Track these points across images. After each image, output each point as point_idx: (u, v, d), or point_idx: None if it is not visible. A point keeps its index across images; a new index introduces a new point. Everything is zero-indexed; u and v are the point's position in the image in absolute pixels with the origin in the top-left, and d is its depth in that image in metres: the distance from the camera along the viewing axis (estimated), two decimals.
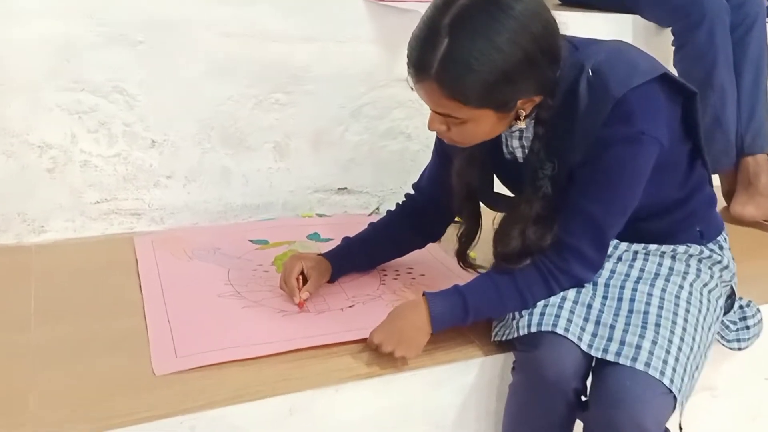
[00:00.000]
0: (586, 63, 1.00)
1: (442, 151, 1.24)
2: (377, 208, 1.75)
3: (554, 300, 1.07)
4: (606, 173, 1.01)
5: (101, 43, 1.38)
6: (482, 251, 1.22)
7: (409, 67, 0.96)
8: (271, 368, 1.05)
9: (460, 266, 1.24)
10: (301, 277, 1.23)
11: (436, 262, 1.45)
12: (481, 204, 1.21)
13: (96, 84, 1.39)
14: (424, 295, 1.09)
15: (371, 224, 1.35)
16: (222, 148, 1.54)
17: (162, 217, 1.53)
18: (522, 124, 1.01)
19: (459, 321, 1.08)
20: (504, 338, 1.12)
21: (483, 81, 0.92)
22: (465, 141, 1.03)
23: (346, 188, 1.72)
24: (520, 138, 1.09)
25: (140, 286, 1.25)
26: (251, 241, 1.48)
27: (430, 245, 1.39)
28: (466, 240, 1.22)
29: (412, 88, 0.98)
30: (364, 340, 1.11)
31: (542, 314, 1.05)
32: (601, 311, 1.06)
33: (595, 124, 0.99)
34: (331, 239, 1.52)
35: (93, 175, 1.44)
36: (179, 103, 1.47)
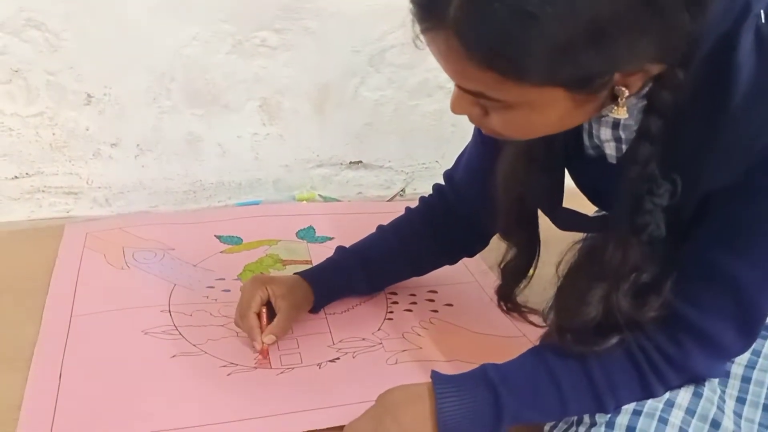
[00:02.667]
0: (754, 5, 0.53)
1: (485, 136, 0.79)
2: (403, 190, 1.32)
3: (653, 405, 0.63)
4: None
5: None
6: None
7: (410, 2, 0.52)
8: None
9: (501, 309, 0.81)
10: (265, 311, 0.84)
11: (473, 286, 1.01)
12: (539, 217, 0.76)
13: (2, 15, 0.99)
14: (432, 378, 0.67)
15: (380, 227, 0.93)
16: (187, 107, 1.12)
17: (107, 198, 1.15)
18: (621, 113, 0.55)
19: (485, 429, 0.65)
20: None
21: (548, 38, 0.46)
22: (513, 134, 0.58)
23: (360, 162, 1.28)
24: (615, 126, 0.63)
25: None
26: (218, 238, 1.09)
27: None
28: (514, 275, 0.78)
29: (416, 42, 0.54)
30: (341, 428, 0.72)
31: (630, 429, 0.62)
32: None
33: (765, 121, 0.52)
34: (330, 238, 1.11)
35: (7, 141, 1.06)
36: (123, 45, 1.05)
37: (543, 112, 0.53)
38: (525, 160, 0.68)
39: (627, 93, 0.53)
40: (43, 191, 1.11)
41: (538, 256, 0.75)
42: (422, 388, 0.66)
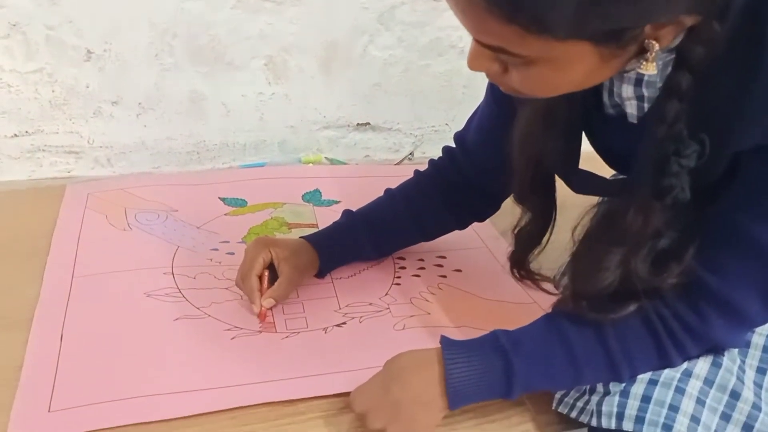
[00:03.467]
0: None
1: (502, 94, 0.75)
2: (411, 154, 1.29)
3: (670, 375, 0.61)
4: None
5: None
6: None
7: None
8: None
9: (514, 276, 0.78)
10: (267, 274, 0.82)
11: (483, 251, 0.99)
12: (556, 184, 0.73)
13: None
14: (441, 344, 0.65)
15: (387, 191, 0.91)
16: (190, 64, 1.09)
17: (109, 158, 1.12)
18: (650, 68, 0.51)
19: (495, 396, 0.64)
20: (574, 416, 0.68)
21: None
22: (534, 92, 0.55)
23: (368, 124, 1.25)
24: (638, 84, 0.59)
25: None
26: (222, 200, 1.06)
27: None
28: (529, 240, 0.75)
29: None
30: (348, 395, 0.70)
31: (646, 399, 0.60)
32: (757, 408, 0.60)
33: None
34: (337, 202, 1.08)
35: (6, 98, 1.03)
36: None
37: (567, 68, 0.50)
38: (542, 120, 0.65)
39: (657, 47, 0.49)
40: (43, 150, 1.08)
41: (554, 221, 0.72)
42: (431, 354, 0.64)
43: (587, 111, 0.66)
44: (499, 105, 0.77)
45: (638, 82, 0.59)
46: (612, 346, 0.61)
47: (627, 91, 0.60)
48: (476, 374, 0.62)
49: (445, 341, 0.65)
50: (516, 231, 0.74)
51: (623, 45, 0.49)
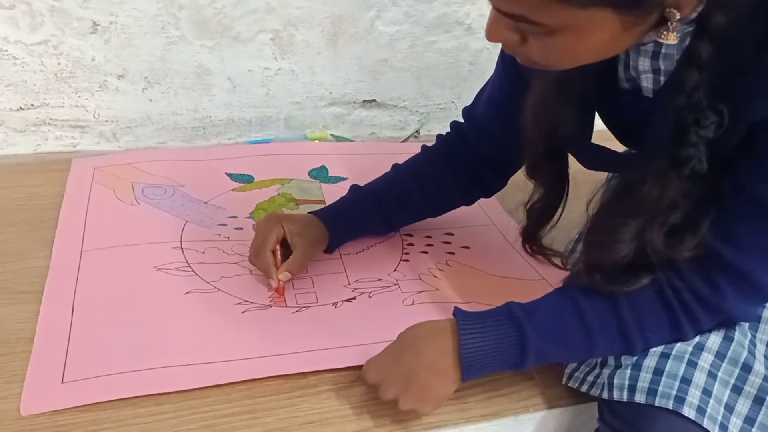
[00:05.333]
0: None
1: (513, 67, 0.75)
2: (417, 131, 1.28)
3: (682, 348, 0.62)
4: None
5: None
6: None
7: None
8: (204, 412, 0.66)
9: (526, 251, 0.79)
10: (279, 249, 0.82)
11: (490, 229, 0.99)
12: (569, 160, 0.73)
13: None
14: (455, 315, 0.66)
15: (395, 166, 0.90)
16: (196, 37, 1.08)
17: (114, 133, 1.11)
18: (671, 38, 0.51)
19: (508, 367, 0.64)
20: (584, 390, 0.69)
21: None
22: (553, 62, 0.54)
23: (374, 101, 1.24)
24: (655, 57, 0.59)
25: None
26: (229, 175, 1.06)
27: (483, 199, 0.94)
28: (541, 215, 0.75)
29: None
30: (359, 368, 0.71)
31: (658, 372, 0.61)
32: None
33: None
34: (344, 178, 1.08)
35: (11, 70, 1.02)
36: None
37: (588, 37, 0.49)
38: (556, 92, 0.65)
39: (678, 15, 0.49)
40: (48, 124, 1.07)
41: (567, 195, 0.73)
42: (445, 324, 0.65)
43: (601, 85, 0.65)
44: (509, 78, 0.77)
45: (655, 55, 0.59)
46: (625, 318, 0.61)
47: (644, 64, 0.60)
48: (490, 344, 0.62)
49: (458, 312, 0.65)
50: (528, 206, 0.74)
51: (645, 13, 0.49)
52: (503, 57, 0.77)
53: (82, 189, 0.98)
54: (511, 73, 0.76)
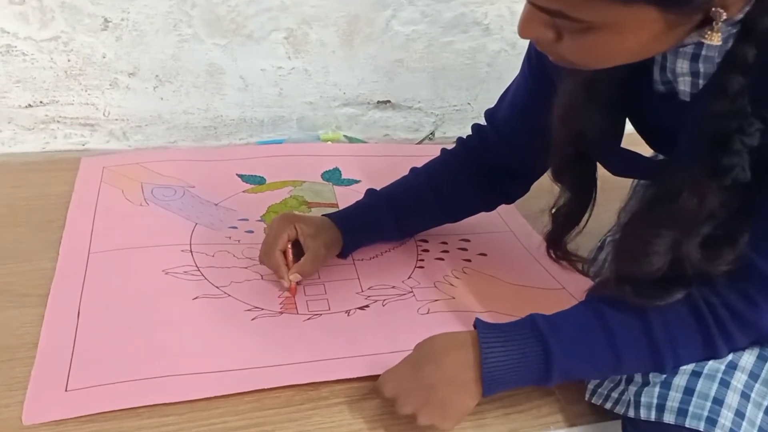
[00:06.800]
0: None
1: (540, 69, 0.72)
2: (432, 133, 1.25)
3: (714, 367, 0.59)
4: None
5: None
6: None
7: None
8: (211, 424, 0.63)
9: (550, 256, 0.76)
10: (291, 250, 0.79)
11: (508, 235, 0.96)
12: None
13: None
14: (476, 327, 0.63)
15: (413, 170, 0.88)
16: (209, 36, 1.06)
17: (125, 131, 1.09)
18: (715, 39, 0.48)
19: (532, 382, 0.62)
20: (608, 407, 0.66)
21: None
22: (588, 62, 0.52)
23: (389, 101, 1.22)
24: (695, 59, 0.56)
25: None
26: (240, 177, 1.03)
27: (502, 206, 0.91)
28: (566, 221, 0.72)
29: None
30: (373, 379, 0.68)
31: (689, 391, 0.58)
32: None
33: None
34: (357, 181, 1.06)
35: (20, 67, 1.00)
36: None
37: (628, 35, 0.47)
38: (585, 94, 0.62)
39: (725, 15, 0.46)
40: (58, 121, 1.05)
41: (595, 200, 0.70)
42: (465, 336, 0.62)
43: (633, 87, 0.62)
44: (535, 79, 0.74)
45: (695, 57, 0.55)
46: (656, 334, 0.58)
47: (682, 66, 0.57)
48: (513, 359, 0.59)
49: (480, 323, 0.62)
50: (554, 210, 0.72)
51: (691, 12, 0.46)
52: (530, 57, 0.75)
53: (91, 189, 0.96)
54: (537, 74, 0.73)
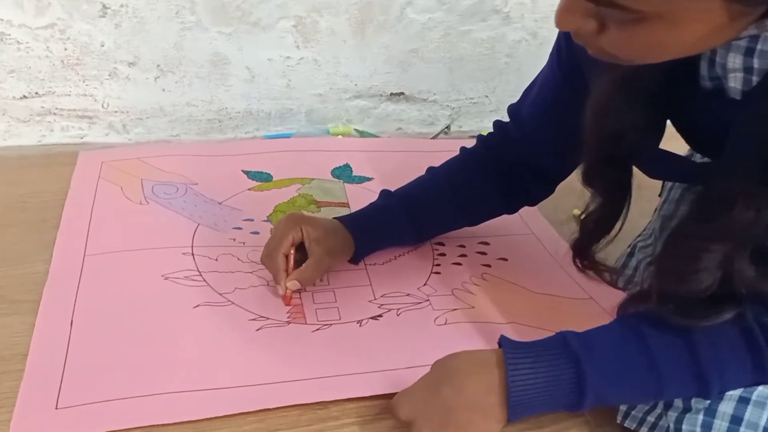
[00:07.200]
0: None
1: (571, 62, 0.66)
2: (447, 127, 1.19)
3: (763, 393, 0.54)
4: None
5: None
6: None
7: None
8: None
9: (576, 266, 0.70)
10: (294, 253, 0.74)
11: (530, 239, 0.91)
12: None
13: None
14: (501, 346, 0.58)
15: (430, 169, 0.82)
16: (213, 23, 1.00)
17: (124, 124, 1.04)
18: None
19: (562, 408, 0.56)
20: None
21: None
22: (635, 56, 0.46)
23: (402, 94, 1.16)
24: (749, 53, 0.50)
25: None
26: (246, 173, 0.98)
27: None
28: (596, 228, 0.66)
29: None
30: (387, 398, 0.63)
31: (736, 420, 0.52)
32: None
33: None
34: (368, 178, 1.00)
35: (15, 56, 0.95)
36: None
37: (685, 27, 0.41)
38: (623, 91, 0.56)
39: None
40: (54, 113, 1.00)
41: (628, 206, 0.64)
42: (489, 355, 0.57)
43: (676, 84, 0.56)
44: (564, 74, 0.68)
45: (749, 51, 0.49)
46: (702, 359, 0.52)
47: (734, 61, 0.50)
48: (542, 382, 0.54)
49: (505, 342, 0.57)
50: (583, 216, 0.66)
51: (757, 2, 0.40)
52: (559, 49, 0.69)
53: (88, 186, 0.91)
54: (567, 67, 0.67)
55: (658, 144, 0.60)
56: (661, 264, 0.55)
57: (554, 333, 0.58)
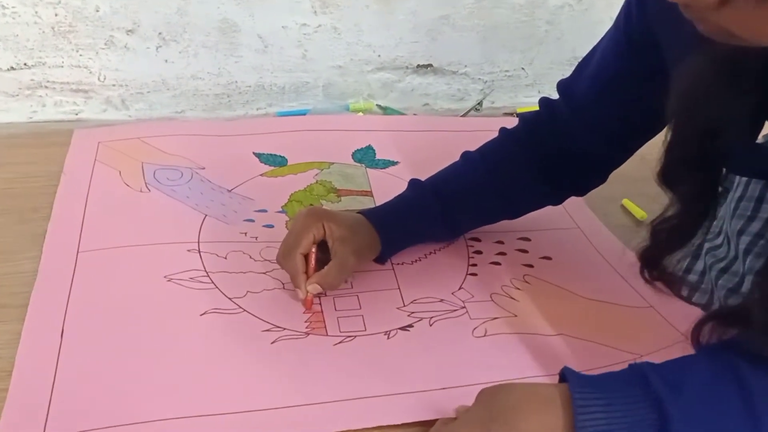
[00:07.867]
0: None
1: (645, 35, 0.56)
2: (479, 103, 1.09)
3: None
4: None
5: None
6: None
7: None
8: None
9: (644, 278, 0.60)
10: (315, 253, 0.65)
11: (575, 234, 0.81)
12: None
13: None
14: (563, 379, 0.49)
15: (464, 155, 0.73)
16: None
17: (123, 99, 0.94)
18: None
19: None
20: None
21: None
22: (756, 36, 0.36)
23: (431, 65, 1.05)
24: None
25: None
26: (258, 156, 0.88)
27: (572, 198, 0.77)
28: (671, 237, 0.56)
29: None
30: (419, 426, 0.54)
31: None
32: None
33: None
34: (394, 163, 0.90)
35: (0, 22, 0.85)
36: None
37: None
38: (726, 76, 0.46)
39: None
40: (46, 87, 0.91)
41: (714, 216, 0.54)
42: (551, 392, 0.48)
43: None
44: (634, 46, 0.58)
45: None
46: None
47: None
48: (617, 428, 0.45)
49: (571, 376, 0.48)
50: (656, 222, 0.56)
51: None
52: (629, 18, 0.58)
53: (83, 170, 0.82)
54: (638, 41, 0.57)
55: (757, 136, 0.50)
56: (762, 286, 0.45)
57: (610, 348, 0.49)
